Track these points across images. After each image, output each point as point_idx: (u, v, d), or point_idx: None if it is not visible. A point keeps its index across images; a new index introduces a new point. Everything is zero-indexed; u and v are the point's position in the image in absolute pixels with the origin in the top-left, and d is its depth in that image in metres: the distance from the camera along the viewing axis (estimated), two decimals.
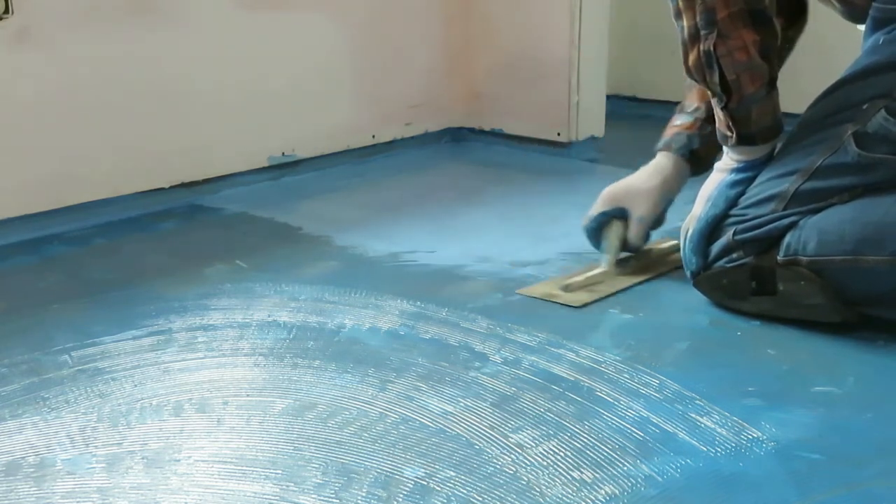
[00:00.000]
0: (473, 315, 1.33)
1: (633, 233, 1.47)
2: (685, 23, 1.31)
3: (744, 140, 1.34)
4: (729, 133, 1.34)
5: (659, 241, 1.56)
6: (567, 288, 1.41)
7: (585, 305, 1.37)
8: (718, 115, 1.35)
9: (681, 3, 1.31)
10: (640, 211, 1.47)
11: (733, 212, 1.34)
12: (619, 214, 1.48)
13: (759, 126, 1.33)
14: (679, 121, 1.50)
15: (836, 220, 1.25)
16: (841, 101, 1.29)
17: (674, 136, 1.49)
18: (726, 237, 1.32)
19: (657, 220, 1.50)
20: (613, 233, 1.48)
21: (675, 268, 1.48)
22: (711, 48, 1.29)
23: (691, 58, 1.32)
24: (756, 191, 1.32)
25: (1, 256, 1.59)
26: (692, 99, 1.50)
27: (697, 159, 1.49)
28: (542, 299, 1.39)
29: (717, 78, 1.30)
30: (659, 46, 2.38)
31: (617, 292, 1.41)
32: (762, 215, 1.30)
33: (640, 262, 1.51)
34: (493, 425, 1.05)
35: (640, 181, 1.49)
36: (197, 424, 1.06)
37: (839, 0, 1.35)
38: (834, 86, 1.32)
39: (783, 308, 1.29)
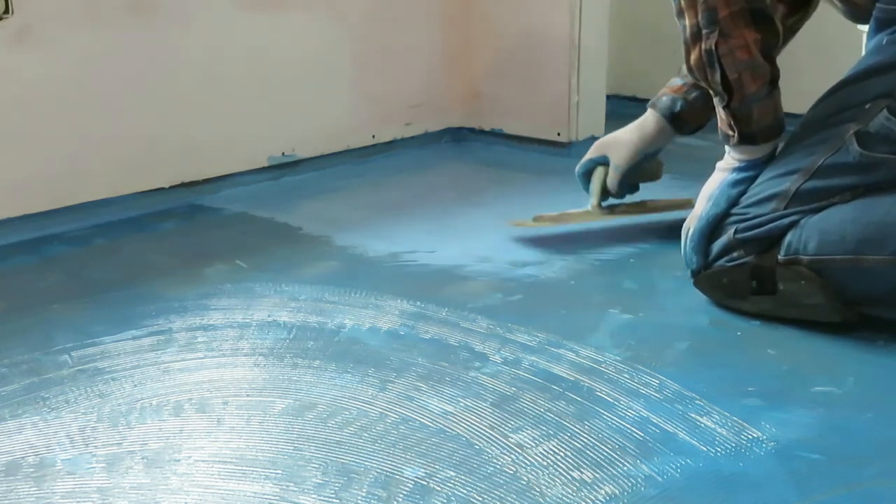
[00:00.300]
0: (473, 315, 1.33)
1: (610, 178, 1.62)
2: (687, 21, 1.32)
3: (745, 139, 1.34)
4: (730, 132, 1.34)
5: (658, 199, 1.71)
6: (538, 219, 1.60)
7: (539, 221, 1.61)
8: (720, 114, 1.35)
9: (683, 3, 1.31)
10: (616, 160, 1.61)
11: (734, 210, 1.34)
12: (602, 161, 1.64)
13: (760, 125, 1.33)
14: (672, 82, 1.59)
15: (837, 220, 1.25)
16: (843, 100, 1.29)
17: (661, 97, 1.59)
18: (727, 236, 1.32)
19: (646, 172, 1.63)
20: (596, 177, 1.65)
21: (666, 214, 1.66)
22: (713, 47, 1.29)
23: (693, 57, 1.32)
24: (757, 190, 1.32)
25: (1, 256, 1.59)
26: None
27: (680, 122, 1.57)
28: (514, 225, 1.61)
29: (718, 77, 1.30)
30: (659, 46, 2.38)
31: (580, 224, 1.62)
32: (763, 214, 1.30)
33: (632, 209, 1.67)
34: (493, 425, 1.05)
35: (623, 133, 1.62)
36: (197, 424, 1.05)
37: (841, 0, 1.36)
38: (836, 86, 1.32)
39: (783, 308, 1.29)
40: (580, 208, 1.66)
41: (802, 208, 1.28)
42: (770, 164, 1.34)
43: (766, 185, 1.32)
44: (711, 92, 1.34)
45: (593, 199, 1.64)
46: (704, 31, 1.30)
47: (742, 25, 1.29)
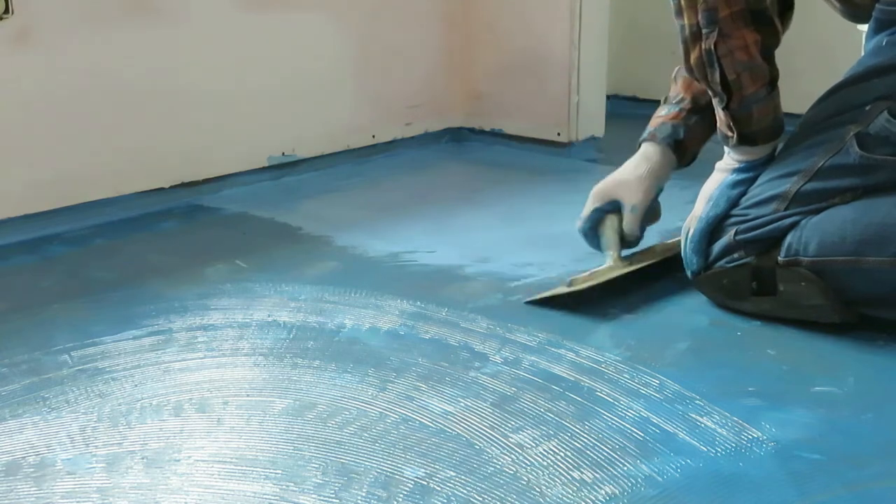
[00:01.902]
0: (473, 315, 1.33)
1: (628, 223, 1.45)
2: (686, 21, 1.31)
3: (745, 140, 1.34)
4: (730, 133, 1.34)
5: (669, 241, 1.54)
6: (571, 283, 1.39)
7: (582, 290, 1.35)
8: (719, 114, 1.34)
9: (683, 2, 1.31)
10: (632, 200, 1.45)
11: (734, 212, 1.33)
12: (611, 209, 1.47)
13: (759, 126, 1.33)
14: (664, 111, 1.50)
15: (837, 221, 1.25)
16: (843, 102, 1.29)
17: (659, 126, 1.48)
18: (727, 237, 1.32)
19: (651, 211, 1.48)
20: (609, 227, 1.46)
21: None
22: (712, 47, 1.29)
23: (693, 57, 1.32)
24: (757, 191, 1.32)
25: (1, 256, 1.59)
26: (677, 90, 1.50)
27: (682, 150, 1.47)
28: (548, 299, 1.37)
29: (717, 77, 1.30)
30: (659, 46, 2.38)
31: (620, 276, 1.40)
32: (763, 215, 1.30)
33: (646, 256, 1.49)
34: (493, 425, 1.05)
35: (628, 172, 1.47)
36: (197, 424, 1.06)
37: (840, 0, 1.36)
38: (836, 87, 1.32)
39: (783, 308, 1.29)
40: (600, 265, 1.44)
41: (803, 209, 1.28)
42: (770, 165, 1.34)
43: (766, 186, 1.32)
44: (711, 92, 1.34)
45: (612, 252, 1.44)
46: (704, 31, 1.30)
47: (742, 26, 1.28)
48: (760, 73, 1.30)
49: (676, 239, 1.53)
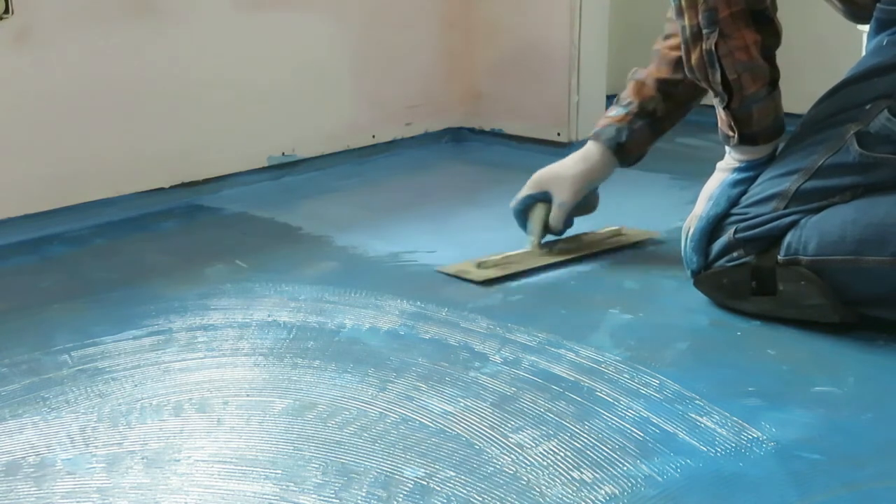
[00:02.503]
0: (473, 315, 1.33)
1: (554, 216, 1.53)
2: (687, 22, 1.31)
3: (745, 140, 1.34)
4: (730, 133, 1.34)
5: (602, 230, 1.62)
6: (481, 265, 1.47)
7: (489, 281, 1.43)
8: (720, 114, 1.35)
9: (683, 2, 1.31)
10: (561, 196, 1.52)
11: (734, 210, 1.34)
12: (543, 198, 1.54)
13: (760, 126, 1.33)
14: (613, 112, 1.54)
15: (837, 221, 1.25)
16: (844, 101, 1.29)
17: (604, 127, 1.53)
18: (727, 236, 1.32)
19: (583, 206, 1.55)
20: (536, 215, 1.55)
21: (606, 251, 1.56)
22: (713, 48, 1.29)
23: (693, 57, 1.32)
24: (757, 189, 1.32)
25: (1, 256, 1.59)
26: (628, 93, 1.53)
27: (624, 152, 1.52)
28: (453, 276, 1.45)
29: (718, 77, 1.30)
30: None
31: (528, 270, 1.47)
32: (763, 214, 1.30)
33: (569, 244, 1.56)
34: (493, 425, 1.05)
35: (566, 167, 1.54)
36: (197, 424, 1.06)
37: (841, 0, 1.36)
38: (837, 86, 1.32)
39: (783, 308, 1.29)
40: (519, 249, 1.54)
41: (802, 208, 1.28)
42: (770, 164, 1.34)
43: (766, 184, 1.32)
44: (712, 92, 1.34)
45: (533, 239, 1.54)
46: (705, 32, 1.30)
47: (742, 26, 1.29)
48: (761, 74, 1.30)
49: (607, 229, 1.61)
